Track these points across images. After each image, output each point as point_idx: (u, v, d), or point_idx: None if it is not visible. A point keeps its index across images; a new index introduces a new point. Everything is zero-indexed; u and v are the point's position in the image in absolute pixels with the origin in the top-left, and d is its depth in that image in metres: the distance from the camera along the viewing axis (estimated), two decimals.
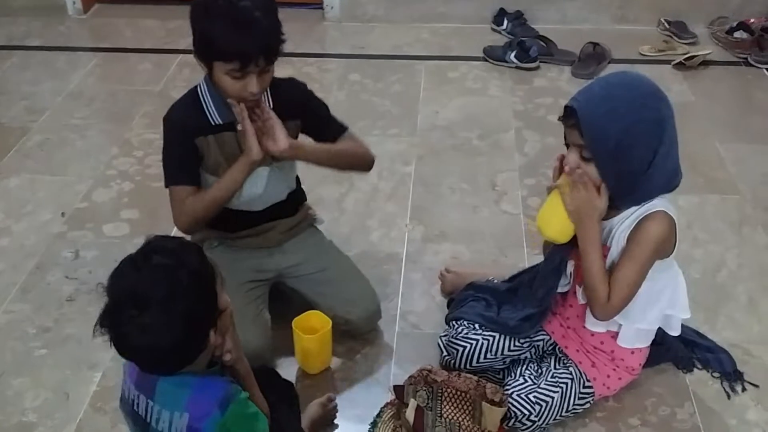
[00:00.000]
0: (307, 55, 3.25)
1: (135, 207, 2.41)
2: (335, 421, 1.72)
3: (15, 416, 1.75)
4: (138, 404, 1.28)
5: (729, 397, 1.78)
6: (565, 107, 1.53)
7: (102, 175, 2.56)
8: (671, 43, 3.30)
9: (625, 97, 1.49)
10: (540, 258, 1.85)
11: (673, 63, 3.17)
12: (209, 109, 1.71)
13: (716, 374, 1.83)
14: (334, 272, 1.90)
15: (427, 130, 2.80)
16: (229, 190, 1.71)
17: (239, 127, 1.69)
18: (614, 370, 1.72)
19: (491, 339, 1.75)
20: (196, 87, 1.73)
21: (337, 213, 2.37)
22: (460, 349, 1.75)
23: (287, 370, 1.84)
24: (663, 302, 1.66)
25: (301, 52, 3.25)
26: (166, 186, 1.74)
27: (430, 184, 2.51)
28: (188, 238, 1.85)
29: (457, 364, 1.75)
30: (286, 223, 1.89)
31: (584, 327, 1.70)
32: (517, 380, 1.70)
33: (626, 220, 1.57)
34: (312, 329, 1.80)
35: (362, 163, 1.85)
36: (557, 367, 1.72)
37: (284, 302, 1.94)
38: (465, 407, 1.62)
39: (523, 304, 1.77)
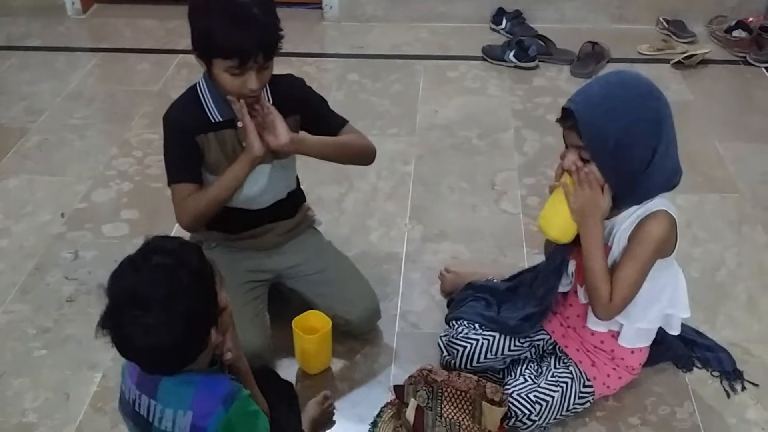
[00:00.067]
0: (306, 55, 3.25)
1: (134, 207, 2.41)
2: (334, 420, 1.72)
3: (15, 417, 1.75)
4: (140, 404, 1.28)
5: (729, 396, 1.79)
6: (563, 109, 1.53)
7: (101, 175, 2.56)
8: (670, 42, 3.30)
9: (623, 97, 1.49)
10: (539, 257, 1.85)
11: (671, 62, 3.17)
12: (209, 106, 1.70)
13: (716, 373, 1.83)
14: (334, 273, 1.90)
15: (426, 129, 2.80)
16: (231, 187, 1.70)
17: (239, 124, 1.69)
18: (614, 369, 1.72)
19: (491, 339, 1.75)
20: (195, 85, 1.73)
21: (336, 213, 2.37)
22: (461, 349, 1.75)
23: (287, 370, 1.84)
24: (663, 301, 1.66)
25: (300, 51, 3.25)
26: (169, 184, 1.74)
27: (430, 184, 2.51)
28: (188, 237, 1.86)
29: (457, 364, 1.75)
30: (285, 225, 1.89)
31: (584, 326, 1.70)
32: (517, 380, 1.70)
33: (627, 219, 1.57)
34: (312, 329, 1.81)
35: (364, 155, 1.85)
36: (557, 366, 1.72)
37: (284, 302, 1.94)
38: (465, 407, 1.62)
39: (524, 303, 1.78)
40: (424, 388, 1.63)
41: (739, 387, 1.80)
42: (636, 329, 1.67)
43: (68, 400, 1.78)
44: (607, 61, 3.18)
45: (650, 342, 1.73)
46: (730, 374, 1.82)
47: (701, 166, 2.54)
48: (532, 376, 1.71)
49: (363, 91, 3.03)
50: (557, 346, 1.76)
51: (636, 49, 3.27)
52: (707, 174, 2.52)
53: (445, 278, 2.06)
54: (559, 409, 1.67)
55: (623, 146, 1.48)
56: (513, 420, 1.65)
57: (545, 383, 1.68)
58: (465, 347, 1.75)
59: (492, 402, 1.61)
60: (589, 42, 3.21)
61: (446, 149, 2.69)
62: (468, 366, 1.74)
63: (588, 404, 1.72)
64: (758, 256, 2.20)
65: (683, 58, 3.14)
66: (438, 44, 3.38)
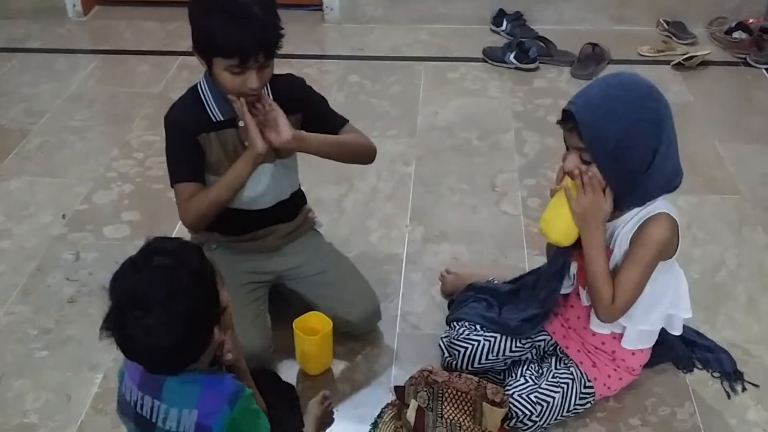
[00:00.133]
0: (306, 57, 3.25)
1: (135, 209, 2.41)
2: (333, 418, 1.72)
3: (16, 418, 1.75)
4: (142, 405, 1.28)
5: (729, 396, 1.79)
6: (563, 111, 1.53)
7: (102, 177, 2.56)
8: (670, 44, 3.30)
9: (623, 98, 1.49)
10: (540, 258, 1.85)
11: (672, 63, 3.17)
12: (210, 105, 1.71)
13: (716, 374, 1.83)
14: (334, 274, 1.90)
15: (426, 130, 2.80)
16: (234, 186, 1.70)
17: (241, 123, 1.70)
18: (615, 370, 1.72)
19: (493, 340, 1.75)
20: (196, 85, 1.73)
21: (336, 214, 2.37)
22: (462, 350, 1.75)
23: (288, 371, 1.84)
24: (665, 303, 1.66)
25: (301, 53, 3.25)
26: (172, 184, 1.74)
27: (430, 185, 2.51)
28: (188, 238, 1.86)
29: (458, 366, 1.75)
30: (286, 227, 1.89)
31: (585, 327, 1.70)
32: (518, 380, 1.70)
33: (629, 222, 1.57)
34: (312, 330, 1.81)
35: (365, 154, 1.85)
36: (558, 367, 1.72)
37: (284, 303, 1.94)
38: (466, 408, 1.62)
39: (525, 305, 1.78)
40: (425, 388, 1.63)
41: (739, 388, 1.80)
42: (638, 331, 1.67)
43: (69, 401, 1.79)
44: (608, 63, 3.18)
45: (653, 343, 1.73)
46: (731, 375, 1.82)
47: (701, 168, 2.54)
48: (533, 377, 1.71)
49: (363, 93, 3.04)
50: (558, 347, 1.76)
51: (636, 51, 3.27)
52: (707, 175, 2.52)
53: (445, 279, 2.07)
54: (559, 409, 1.67)
55: (624, 147, 1.48)
56: (514, 421, 1.65)
57: (546, 384, 1.69)
58: (466, 348, 1.75)
59: (493, 403, 1.61)
60: (590, 43, 3.21)
61: (446, 150, 2.69)
62: (469, 367, 1.74)
63: (588, 405, 1.72)
64: (758, 256, 2.20)
65: (683, 60, 3.14)
66: (438, 46, 3.39)
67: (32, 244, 2.27)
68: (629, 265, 1.56)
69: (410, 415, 1.63)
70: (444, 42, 3.41)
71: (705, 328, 1.94)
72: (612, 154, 1.49)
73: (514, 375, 1.74)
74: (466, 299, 1.88)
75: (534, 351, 1.78)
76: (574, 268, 1.67)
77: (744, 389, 1.80)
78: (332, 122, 1.81)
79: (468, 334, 1.76)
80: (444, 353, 1.79)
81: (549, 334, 1.77)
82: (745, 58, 3.21)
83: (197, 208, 1.71)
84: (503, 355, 1.75)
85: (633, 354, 1.71)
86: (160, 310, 1.17)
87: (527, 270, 2.09)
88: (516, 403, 1.65)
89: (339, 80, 3.12)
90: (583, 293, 1.67)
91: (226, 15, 1.55)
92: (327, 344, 1.83)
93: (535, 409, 1.65)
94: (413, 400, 1.63)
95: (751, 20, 3.30)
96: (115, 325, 1.20)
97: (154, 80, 3.13)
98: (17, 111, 2.94)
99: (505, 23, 3.42)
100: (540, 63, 3.18)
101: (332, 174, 2.47)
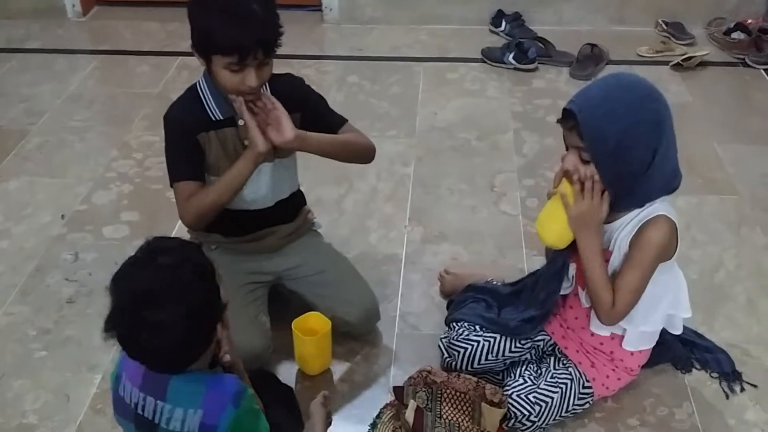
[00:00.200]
0: (305, 57, 3.26)
1: (135, 209, 2.41)
2: (331, 419, 1.72)
3: (15, 418, 1.75)
4: (144, 407, 1.29)
5: (728, 397, 1.79)
6: (564, 110, 1.53)
7: (101, 177, 2.56)
8: (669, 44, 3.31)
9: (624, 99, 1.50)
10: (539, 259, 1.85)
11: (670, 64, 3.17)
12: (209, 104, 1.70)
13: (715, 374, 1.83)
14: (333, 274, 1.90)
15: (425, 131, 2.80)
16: (235, 185, 1.69)
17: (240, 122, 1.70)
18: (613, 370, 1.72)
19: (492, 340, 1.75)
20: (195, 84, 1.73)
21: (336, 214, 2.37)
22: (462, 350, 1.75)
23: (287, 371, 1.85)
24: (665, 303, 1.66)
25: (300, 53, 3.25)
26: (172, 183, 1.73)
27: (429, 185, 2.52)
28: (187, 238, 1.86)
29: (458, 366, 1.75)
30: (286, 228, 1.89)
31: (584, 328, 1.71)
32: (517, 381, 1.71)
33: (628, 224, 1.57)
34: (312, 330, 1.81)
35: (365, 153, 1.85)
36: (557, 367, 1.72)
37: (283, 304, 1.94)
38: (464, 408, 1.62)
39: (525, 306, 1.78)
40: (424, 389, 1.64)
41: (738, 388, 1.80)
42: (639, 332, 1.67)
43: (68, 402, 1.79)
44: (606, 63, 3.18)
45: (653, 343, 1.73)
46: (729, 375, 1.82)
47: (700, 168, 2.54)
48: (532, 377, 1.71)
49: (362, 93, 3.04)
50: (557, 347, 1.76)
51: (635, 51, 3.28)
52: (706, 176, 2.53)
53: (444, 280, 2.07)
54: (558, 410, 1.67)
55: (623, 147, 1.48)
56: (512, 421, 1.65)
57: (544, 384, 1.69)
58: (466, 349, 1.75)
59: (491, 403, 1.61)
60: (588, 44, 3.21)
61: (446, 151, 2.69)
62: (469, 368, 1.75)
63: (587, 405, 1.72)
64: (757, 257, 2.20)
65: (682, 60, 3.14)
66: (437, 46, 3.39)
67: (31, 245, 2.27)
68: (629, 269, 1.56)
69: (409, 415, 1.63)
70: (443, 42, 3.41)
71: (704, 328, 1.94)
72: (611, 154, 1.49)
73: (512, 375, 1.74)
74: (465, 300, 1.88)
75: (533, 351, 1.78)
76: (572, 269, 1.67)
77: (742, 390, 1.80)
78: (331, 121, 1.81)
79: (467, 335, 1.76)
80: (443, 354, 1.79)
81: (548, 335, 1.77)
82: (743, 59, 3.21)
83: (197, 207, 1.70)
84: (503, 355, 1.75)
85: (631, 354, 1.71)
86: (168, 307, 1.19)
87: (526, 270, 2.11)
88: (514, 404, 1.65)
89: (338, 81, 3.12)
90: (582, 294, 1.67)
91: (226, 13, 1.55)
92: (326, 344, 1.83)
93: (534, 410, 1.65)
94: (412, 401, 1.63)
95: (749, 21, 3.30)
96: (122, 324, 1.21)
97: (153, 81, 3.13)
98: (17, 111, 2.94)
99: (504, 24, 3.42)
100: (539, 63, 3.18)
101: (332, 174, 2.47)
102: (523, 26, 3.40)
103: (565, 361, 1.73)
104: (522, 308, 1.78)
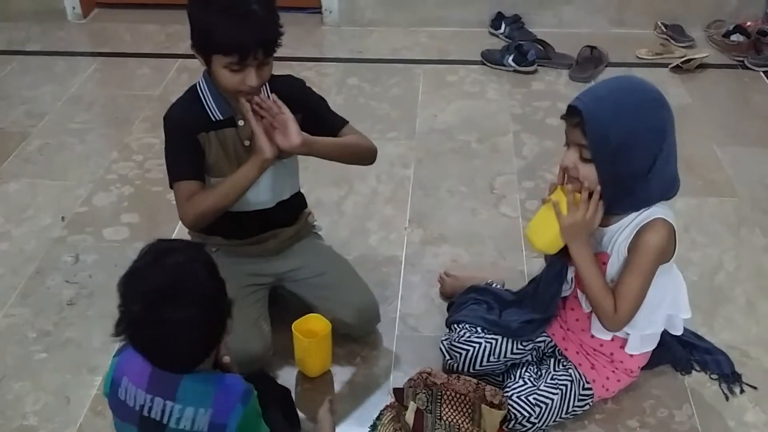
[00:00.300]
0: (305, 59, 3.26)
1: (135, 211, 2.41)
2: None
3: (16, 420, 1.75)
4: (151, 408, 1.29)
5: (727, 398, 1.79)
6: (569, 106, 1.54)
7: (102, 179, 2.56)
8: (668, 47, 3.31)
9: (631, 101, 1.50)
10: (538, 260, 1.86)
11: (670, 66, 3.18)
12: (209, 104, 1.70)
13: (714, 376, 1.83)
14: (333, 276, 1.90)
15: (425, 133, 2.81)
16: (240, 189, 1.68)
17: (240, 123, 1.70)
18: (613, 372, 1.72)
19: (494, 342, 1.75)
20: (195, 84, 1.73)
21: (336, 216, 2.38)
22: (463, 352, 1.75)
23: (287, 373, 1.85)
24: (666, 305, 1.66)
25: (300, 56, 3.25)
26: (172, 183, 1.72)
27: (429, 187, 2.52)
28: (188, 238, 1.86)
29: (459, 368, 1.75)
30: (286, 232, 1.89)
31: (584, 330, 1.71)
32: (517, 382, 1.71)
33: (626, 228, 1.57)
34: (312, 332, 1.81)
35: (367, 155, 1.84)
36: (557, 369, 1.73)
37: (283, 306, 1.94)
38: (464, 410, 1.62)
39: (527, 310, 1.77)
40: (424, 391, 1.64)
41: (737, 390, 1.80)
42: (641, 336, 1.68)
43: (69, 404, 1.79)
44: (606, 66, 3.19)
45: (655, 344, 1.73)
46: (729, 377, 1.82)
47: (700, 170, 2.55)
48: (532, 379, 1.71)
49: (362, 95, 3.04)
50: (557, 349, 1.76)
51: (634, 53, 3.28)
52: (706, 177, 2.53)
53: (444, 282, 2.07)
54: (558, 411, 1.68)
55: (625, 149, 1.48)
56: (512, 423, 1.65)
57: (545, 386, 1.69)
58: (468, 351, 1.75)
59: (491, 405, 1.61)
60: (588, 46, 3.22)
61: (445, 153, 2.69)
62: (470, 370, 1.74)
63: (587, 407, 1.73)
64: (756, 259, 2.20)
65: (681, 63, 3.15)
66: (437, 48, 3.39)
67: (32, 247, 2.27)
68: (629, 275, 1.56)
69: (409, 417, 1.63)
70: (443, 45, 3.42)
71: (703, 330, 1.95)
72: (613, 155, 1.49)
73: (512, 377, 1.74)
74: (466, 301, 1.88)
75: (534, 353, 1.78)
76: (571, 271, 1.67)
77: (742, 391, 1.80)
78: (333, 123, 1.81)
79: (469, 337, 1.76)
80: (445, 356, 1.79)
81: (549, 336, 1.77)
82: (742, 61, 3.22)
83: (198, 208, 1.69)
84: (504, 357, 1.75)
85: (631, 356, 1.71)
86: (185, 304, 1.21)
87: (526, 271, 2.11)
88: (515, 405, 1.65)
89: (338, 83, 3.13)
90: (582, 298, 1.67)
91: (226, 12, 1.55)
92: (326, 346, 1.83)
93: (534, 411, 1.65)
94: (412, 402, 1.63)
95: (748, 23, 3.31)
96: (138, 325, 1.23)
97: (153, 83, 3.13)
98: (17, 113, 2.95)
99: (503, 26, 3.43)
100: (538, 66, 3.18)
101: (332, 176, 2.47)
102: (523, 28, 3.41)
103: (565, 363, 1.73)
104: (524, 311, 1.78)
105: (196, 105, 1.71)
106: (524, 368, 1.75)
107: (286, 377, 1.83)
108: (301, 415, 1.72)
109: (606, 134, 1.48)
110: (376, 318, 1.93)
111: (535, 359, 1.78)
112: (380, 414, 1.71)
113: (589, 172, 1.53)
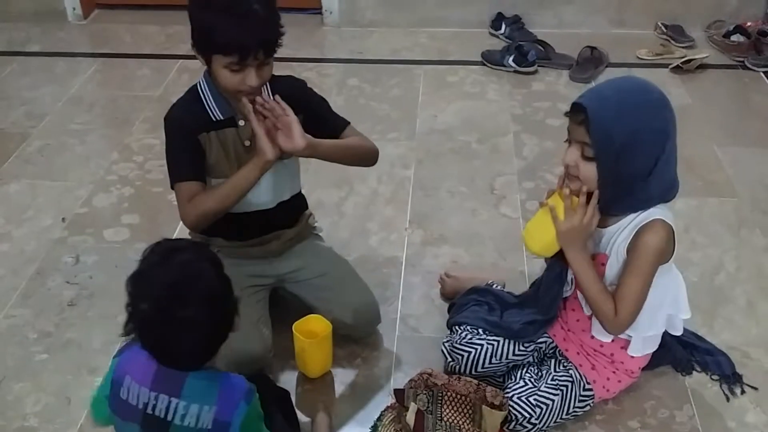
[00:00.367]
0: (305, 60, 3.26)
1: (135, 212, 2.41)
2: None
3: (16, 421, 1.75)
4: (155, 406, 1.30)
5: (728, 399, 1.79)
6: (574, 103, 1.54)
7: (102, 180, 2.56)
8: (668, 47, 3.31)
9: (635, 102, 1.50)
10: (538, 261, 1.86)
11: (670, 66, 3.18)
12: (209, 105, 1.70)
13: (715, 377, 1.83)
14: (333, 277, 1.90)
15: (425, 134, 2.81)
16: (241, 190, 1.67)
17: (241, 123, 1.70)
18: (614, 372, 1.72)
19: (496, 344, 1.75)
20: (195, 85, 1.73)
21: (336, 217, 2.38)
22: (465, 354, 1.75)
23: (287, 374, 1.85)
24: (666, 306, 1.67)
25: (300, 57, 3.25)
26: (173, 184, 1.72)
27: (429, 188, 2.52)
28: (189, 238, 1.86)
29: (461, 370, 1.75)
30: (287, 233, 1.89)
31: (584, 330, 1.71)
32: (518, 383, 1.71)
33: (625, 229, 1.57)
34: (312, 333, 1.81)
35: (369, 157, 1.84)
36: (557, 369, 1.73)
37: (284, 307, 1.94)
38: (465, 411, 1.62)
39: (529, 311, 1.77)
40: (425, 391, 1.64)
41: (738, 390, 1.80)
42: (643, 337, 1.68)
43: (69, 405, 1.79)
44: (606, 66, 3.19)
45: (657, 345, 1.74)
46: (730, 378, 1.82)
47: (700, 170, 2.55)
48: (532, 380, 1.71)
49: (363, 96, 3.04)
50: (557, 350, 1.76)
51: (635, 54, 3.28)
52: (706, 178, 2.53)
53: (445, 283, 2.07)
54: (559, 412, 1.68)
55: (627, 149, 1.48)
56: (513, 423, 1.65)
57: (545, 387, 1.69)
58: (469, 352, 1.75)
59: (492, 406, 1.61)
60: (588, 47, 3.22)
61: (446, 153, 2.69)
62: (472, 371, 1.74)
63: (588, 408, 1.73)
64: (757, 259, 2.20)
65: (682, 63, 3.15)
66: (437, 49, 3.40)
67: (32, 248, 2.27)
68: (629, 277, 1.56)
69: (410, 418, 1.63)
70: (443, 45, 3.42)
71: (704, 330, 1.95)
72: (616, 154, 1.49)
73: (513, 378, 1.74)
74: (467, 303, 1.88)
75: (535, 354, 1.78)
76: (571, 273, 1.67)
77: (743, 392, 1.80)
78: (334, 124, 1.81)
79: (471, 339, 1.76)
80: (447, 358, 1.78)
81: (549, 337, 1.77)
82: (743, 61, 3.22)
83: (199, 209, 1.69)
84: (506, 359, 1.75)
85: (632, 357, 1.71)
86: (196, 301, 1.22)
87: (526, 272, 2.12)
88: (515, 406, 1.65)
89: (338, 83, 3.13)
90: (582, 299, 1.67)
91: (226, 12, 1.55)
92: (326, 347, 1.83)
93: (535, 412, 1.65)
94: (413, 403, 1.63)
95: (749, 23, 3.31)
96: (149, 324, 1.24)
97: (154, 83, 3.13)
98: (17, 114, 2.95)
99: (503, 27, 3.43)
100: (539, 66, 3.18)
101: (332, 177, 2.47)
102: (523, 29, 3.41)
103: (565, 364, 1.73)
104: (526, 312, 1.78)
105: (197, 105, 1.71)
106: (525, 369, 1.75)
107: (287, 378, 1.83)
108: (300, 416, 1.72)
109: (609, 133, 1.48)
110: (377, 319, 1.93)
111: (535, 360, 1.79)
112: (381, 415, 1.71)
113: (589, 171, 1.53)
